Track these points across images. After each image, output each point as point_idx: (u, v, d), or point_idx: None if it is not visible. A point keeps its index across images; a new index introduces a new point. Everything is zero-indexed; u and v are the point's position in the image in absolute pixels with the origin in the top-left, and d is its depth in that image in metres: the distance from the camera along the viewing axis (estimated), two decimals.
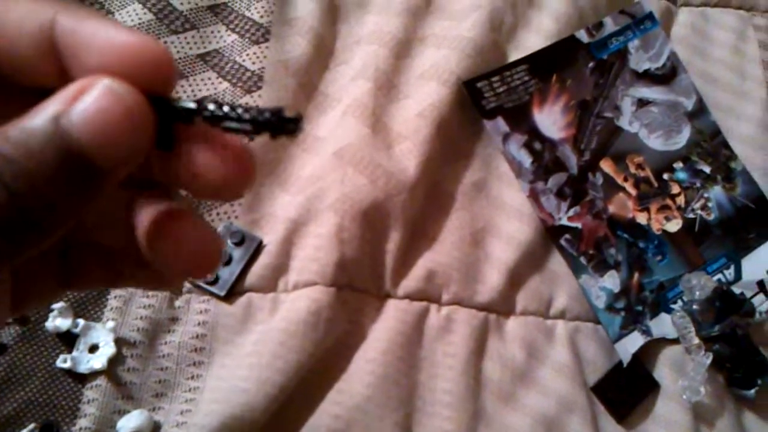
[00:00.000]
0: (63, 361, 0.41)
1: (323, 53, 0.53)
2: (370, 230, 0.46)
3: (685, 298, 0.48)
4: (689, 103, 0.55)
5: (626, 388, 0.46)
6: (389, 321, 0.45)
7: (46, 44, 0.17)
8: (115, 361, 0.42)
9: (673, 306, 0.48)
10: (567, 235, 0.49)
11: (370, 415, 0.41)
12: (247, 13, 0.53)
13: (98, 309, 0.43)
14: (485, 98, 0.51)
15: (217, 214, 0.46)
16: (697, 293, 0.47)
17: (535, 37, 0.54)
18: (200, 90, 0.49)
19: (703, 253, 0.50)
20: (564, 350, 0.46)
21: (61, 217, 0.15)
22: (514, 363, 0.45)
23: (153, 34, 0.50)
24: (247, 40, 0.51)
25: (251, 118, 0.16)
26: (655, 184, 0.52)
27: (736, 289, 0.48)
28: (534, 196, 0.49)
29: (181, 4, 0.52)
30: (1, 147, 0.14)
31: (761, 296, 0.49)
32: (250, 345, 0.42)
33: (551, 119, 0.52)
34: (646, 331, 0.47)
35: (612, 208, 0.50)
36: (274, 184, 0.48)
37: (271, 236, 0.46)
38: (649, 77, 0.55)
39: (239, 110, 0.16)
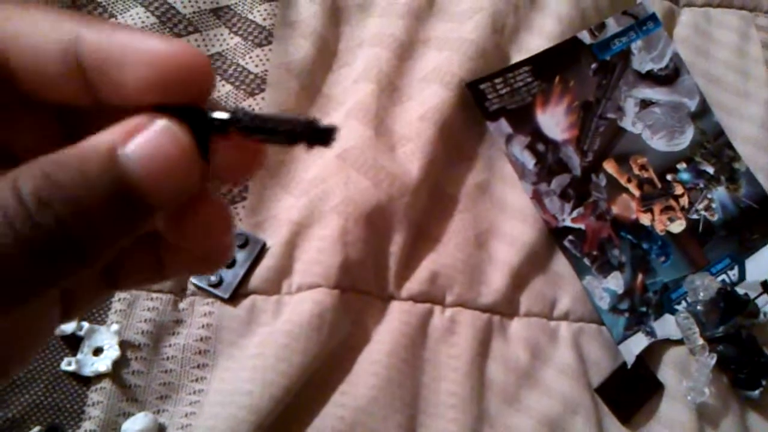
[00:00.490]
0: (67, 364, 0.41)
1: (326, 56, 0.53)
2: (374, 232, 0.46)
3: (689, 299, 0.48)
4: (692, 104, 0.55)
5: (630, 390, 0.46)
6: (393, 323, 0.45)
7: (70, 60, 0.16)
8: (119, 364, 0.42)
9: (677, 307, 0.48)
10: (570, 237, 0.49)
11: (374, 417, 0.41)
12: (250, 16, 0.53)
13: (102, 312, 0.43)
14: (488, 100, 0.51)
15: None
16: (702, 294, 0.47)
17: (537, 38, 0.54)
18: None
19: (707, 254, 0.50)
20: (568, 351, 0.46)
21: (104, 248, 0.15)
22: (518, 364, 0.45)
23: None
24: (250, 42, 0.52)
25: (288, 130, 0.16)
26: (659, 185, 0.52)
27: (740, 290, 0.48)
28: (537, 197, 0.49)
29: (184, 7, 0.52)
30: (52, 172, 0.14)
31: (765, 297, 0.49)
32: (254, 347, 0.42)
33: (554, 120, 0.52)
34: (650, 332, 0.47)
35: (615, 210, 0.50)
36: (278, 186, 0.48)
37: (274, 239, 0.46)
38: (652, 78, 0.55)
39: (275, 121, 0.16)
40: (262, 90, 0.50)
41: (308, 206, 0.46)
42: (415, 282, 0.46)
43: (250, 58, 0.51)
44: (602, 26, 0.55)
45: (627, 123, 0.53)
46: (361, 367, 0.43)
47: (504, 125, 0.51)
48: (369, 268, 0.45)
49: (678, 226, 0.51)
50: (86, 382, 0.41)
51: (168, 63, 0.16)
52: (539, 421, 0.44)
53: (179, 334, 0.43)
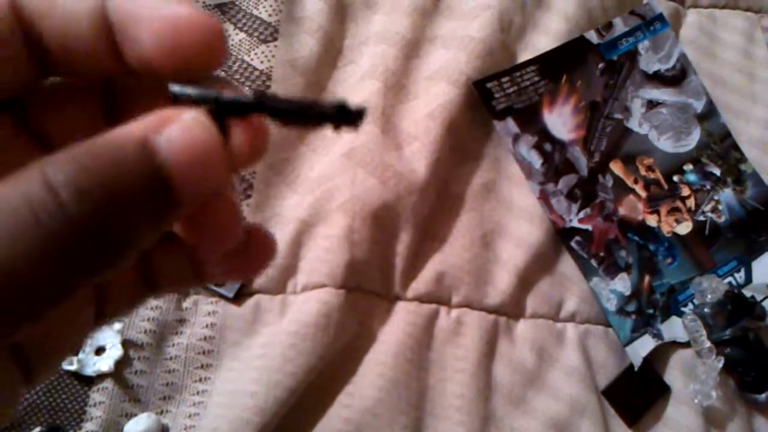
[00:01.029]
0: (69, 364, 0.40)
1: (332, 52, 0.52)
2: (380, 232, 0.45)
3: (696, 302, 0.48)
4: (699, 105, 0.54)
5: (637, 392, 0.46)
6: (399, 323, 0.44)
7: (100, 23, 0.16)
8: (122, 364, 0.41)
9: (683, 309, 0.48)
10: (578, 237, 0.49)
11: (380, 419, 0.41)
12: (255, 12, 0.52)
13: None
14: (495, 99, 0.50)
15: None
16: (709, 296, 0.47)
17: (544, 37, 0.54)
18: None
19: (714, 255, 0.50)
20: (574, 353, 0.46)
21: (136, 243, 0.15)
22: (525, 366, 0.45)
23: None
24: (255, 39, 0.51)
25: (318, 112, 0.16)
26: (665, 186, 0.51)
27: (747, 292, 0.48)
28: (544, 197, 0.49)
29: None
30: (87, 162, 0.14)
31: None
32: (259, 347, 0.42)
33: (561, 120, 0.51)
34: (657, 335, 0.47)
35: (622, 211, 0.50)
36: (283, 184, 0.47)
37: (279, 237, 0.45)
38: (658, 79, 0.54)
39: (304, 103, 0.16)
40: (268, 87, 0.49)
41: (314, 205, 0.46)
42: (421, 282, 0.46)
43: (256, 54, 0.50)
44: (609, 26, 0.55)
45: (634, 123, 0.53)
46: (366, 368, 0.43)
47: (511, 124, 0.50)
48: (375, 268, 0.45)
49: (685, 228, 0.51)
50: (88, 381, 0.41)
51: (180, 23, 0.16)
52: (546, 423, 0.43)
53: (183, 334, 0.43)
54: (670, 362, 0.47)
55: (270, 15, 0.52)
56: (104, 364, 0.41)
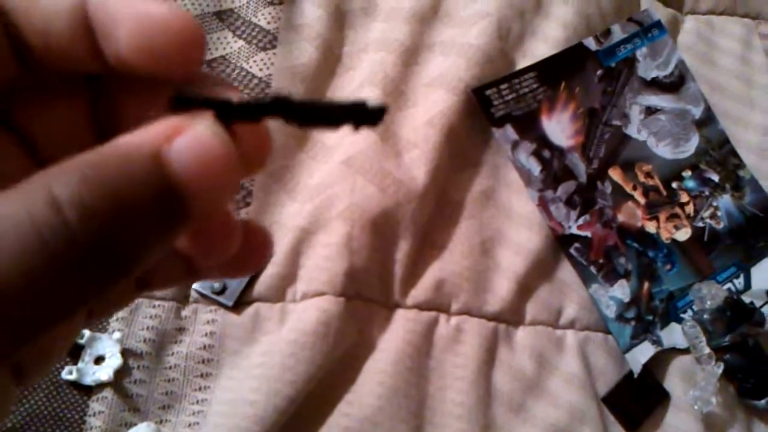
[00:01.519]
0: (68, 373, 0.40)
1: (330, 60, 0.52)
2: (380, 239, 0.45)
3: (695, 308, 0.48)
4: (697, 112, 0.54)
5: (637, 399, 0.46)
6: (398, 331, 0.44)
7: (80, 21, 0.16)
8: (121, 373, 0.41)
9: (683, 315, 0.48)
10: (577, 244, 0.49)
11: (380, 427, 0.41)
12: (254, 20, 0.52)
13: (104, 319, 0.42)
14: (494, 106, 0.50)
15: None
16: (708, 303, 0.47)
17: (542, 44, 0.54)
18: None
19: (713, 262, 0.50)
20: (574, 360, 0.46)
21: (146, 258, 0.14)
22: (524, 374, 0.45)
23: None
24: (254, 46, 0.51)
25: (338, 113, 0.15)
26: (664, 193, 0.52)
27: (746, 299, 0.48)
28: (543, 204, 0.49)
29: (187, 9, 0.51)
30: (93, 176, 0.13)
31: None
32: (259, 356, 0.42)
33: (560, 127, 0.51)
34: (657, 341, 0.47)
35: (621, 217, 0.50)
36: (282, 192, 0.47)
37: (279, 245, 0.45)
38: (657, 85, 0.54)
39: (323, 104, 0.15)
40: (267, 94, 0.49)
41: (313, 212, 0.46)
42: (421, 290, 0.46)
43: (254, 61, 0.51)
44: (607, 33, 0.55)
45: (632, 130, 0.53)
46: (366, 377, 0.43)
47: (510, 132, 0.50)
48: (374, 276, 0.45)
49: (683, 234, 0.51)
50: (87, 391, 0.41)
51: (154, 23, 0.15)
52: (546, 430, 0.43)
53: (182, 343, 0.43)
54: (670, 369, 0.47)
55: (269, 22, 0.52)
56: (103, 373, 0.40)
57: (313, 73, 0.51)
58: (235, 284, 0.44)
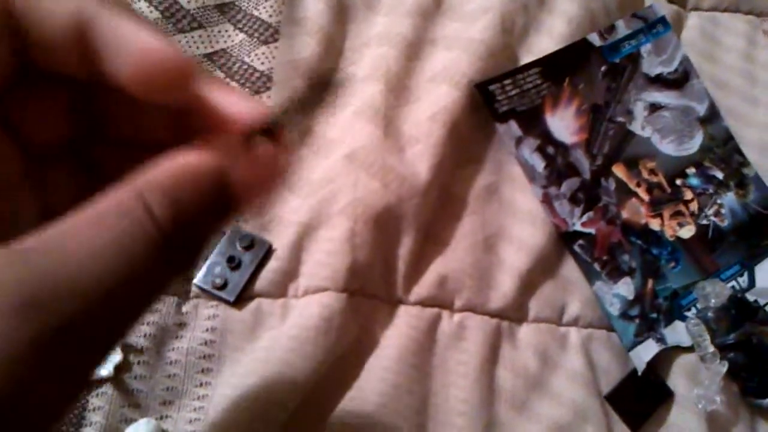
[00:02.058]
0: None
1: (332, 54, 0.52)
2: (382, 235, 0.45)
3: (699, 306, 0.48)
4: (702, 109, 0.54)
5: (640, 397, 0.45)
6: (401, 327, 0.44)
7: (73, 32, 0.18)
8: (121, 368, 0.40)
9: (686, 313, 0.48)
10: (581, 241, 0.48)
11: (383, 424, 0.41)
12: (256, 13, 0.52)
13: None
14: (498, 101, 0.50)
15: None
16: (713, 301, 0.47)
17: (547, 39, 0.54)
18: None
19: (717, 259, 0.50)
20: (577, 358, 0.45)
21: (201, 251, 0.18)
22: (528, 371, 0.45)
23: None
24: (255, 39, 0.50)
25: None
26: (668, 190, 0.51)
27: (750, 297, 0.48)
28: (547, 201, 0.49)
29: (188, 2, 0.51)
30: (173, 191, 0.17)
31: None
32: (260, 352, 0.41)
33: (563, 123, 0.51)
34: (661, 339, 0.47)
35: (625, 214, 0.50)
36: (284, 187, 0.47)
37: (280, 240, 0.45)
38: (661, 82, 0.54)
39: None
40: (268, 88, 0.49)
41: (315, 207, 0.45)
42: (424, 286, 0.45)
43: (256, 55, 0.50)
44: (612, 28, 0.54)
45: (636, 127, 0.52)
46: (369, 373, 0.42)
47: (514, 127, 0.50)
48: (377, 272, 0.45)
49: (687, 232, 0.50)
50: (87, 386, 0.40)
51: (156, 61, 0.18)
52: (549, 428, 0.43)
53: (183, 338, 0.42)
54: (674, 367, 0.47)
55: (270, 16, 0.51)
56: (103, 368, 0.40)
57: (315, 67, 0.50)
58: (237, 279, 0.43)
